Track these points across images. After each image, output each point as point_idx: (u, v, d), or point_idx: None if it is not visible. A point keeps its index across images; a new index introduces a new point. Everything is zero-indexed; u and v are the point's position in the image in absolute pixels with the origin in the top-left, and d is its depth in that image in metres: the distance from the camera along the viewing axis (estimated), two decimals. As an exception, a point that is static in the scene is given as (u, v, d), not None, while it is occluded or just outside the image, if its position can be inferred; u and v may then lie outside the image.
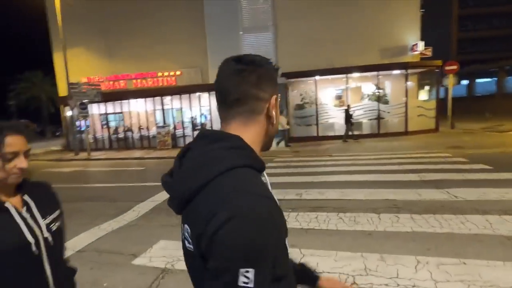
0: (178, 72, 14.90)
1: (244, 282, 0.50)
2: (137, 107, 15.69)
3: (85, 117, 13.89)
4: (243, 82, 0.65)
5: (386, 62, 12.52)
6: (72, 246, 3.48)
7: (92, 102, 14.00)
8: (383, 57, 12.67)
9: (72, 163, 12.33)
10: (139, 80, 15.39)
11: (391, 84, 13.19)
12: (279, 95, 0.72)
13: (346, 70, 12.63)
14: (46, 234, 1.05)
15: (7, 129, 0.99)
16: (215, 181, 0.57)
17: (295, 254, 2.99)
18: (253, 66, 0.66)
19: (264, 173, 0.68)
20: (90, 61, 15.78)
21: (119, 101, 15.63)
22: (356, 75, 12.87)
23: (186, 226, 0.62)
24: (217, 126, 14.18)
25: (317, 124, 13.35)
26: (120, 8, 14.99)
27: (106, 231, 4.02)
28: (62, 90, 15.66)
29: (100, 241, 3.75)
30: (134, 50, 15.09)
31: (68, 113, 16.07)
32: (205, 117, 14.98)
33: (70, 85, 13.36)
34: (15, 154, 0.99)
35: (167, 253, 3.24)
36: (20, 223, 1.00)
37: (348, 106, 12.10)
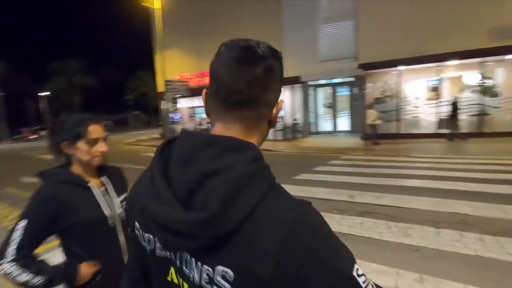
0: (254, 67, 15.50)
1: (363, 282, 0.47)
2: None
3: (175, 110, 15.97)
4: (254, 81, 0.52)
5: (496, 45, 10.14)
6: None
7: (182, 97, 15.96)
8: (493, 39, 10.29)
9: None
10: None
11: (505, 72, 10.64)
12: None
13: (441, 58, 10.78)
14: (119, 210, 1.26)
15: (90, 120, 1.20)
16: (263, 204, 0.47)
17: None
18: (267, 61, 0.53)
19: None
20: (182, 60, 17.90)
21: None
22: (453, 62, 10.86)
23: (218, 268, 0.47)
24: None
25: (399, 120, 11.93)
26: (205, 10, 16.50)
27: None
28: (160, 86, 18.25)
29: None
30: (216, 47, 16.34)
31: (164, 106, 18.75)
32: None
33: (166, 82, 15.53)
34: (96, 140, 1.19)
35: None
36: (100, 200, 1.21)
37: (456, 98, 10.34)
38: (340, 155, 8.94)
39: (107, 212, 1.21)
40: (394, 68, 11.64)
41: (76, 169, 1.22)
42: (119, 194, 1.29)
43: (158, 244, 0.56)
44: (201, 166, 0.49)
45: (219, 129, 0.55)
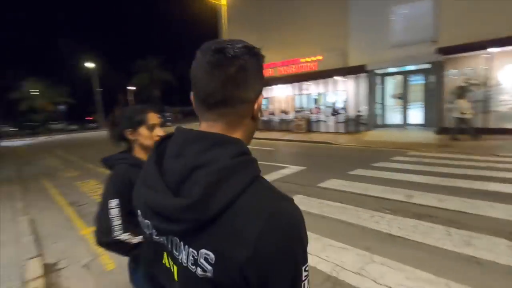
0: (319, 57, 15.02)
1: (305, 276, 0.53)
2: (281, 93, 17.15)
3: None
4: (226, 82, 0.55)
5: None
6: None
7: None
8: None
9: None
10: (283, 68, 16.68)
11: None
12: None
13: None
14: None
15: (147, 109, 1.40)
16: (244, 195, 0.51)
17: (364, 258, 2.77)
18: (239, 60, 0.55)
19: None
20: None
21: (266, 88, 17.61)
22: None
23: (202, 251, 0.52)
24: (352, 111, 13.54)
25: (488, 112, 10.15)
26: (271, 5, 16.58)
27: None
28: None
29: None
30: (280, 40, 16.36)
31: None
32: (344, 102, 14.52)
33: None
34: (154, 125, 1.37)
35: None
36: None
37: None
38: (407, 151, 8.13)
39: None
40: (483, 51, 9.87)
41: (137, 153, 1.38)
42: None
43: (153, 230, 0.61)
44: (190, 159, 0.54)
45: (204, 127, 0.60)
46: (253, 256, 0.48)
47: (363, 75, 13.27)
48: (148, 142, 1.35)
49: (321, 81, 15.11)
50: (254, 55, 0.58)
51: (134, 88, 39.64)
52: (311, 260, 2.75)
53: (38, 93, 33.67)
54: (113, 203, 1.24)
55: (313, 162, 7.53)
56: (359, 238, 3.20)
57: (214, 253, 0.50)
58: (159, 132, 1.37)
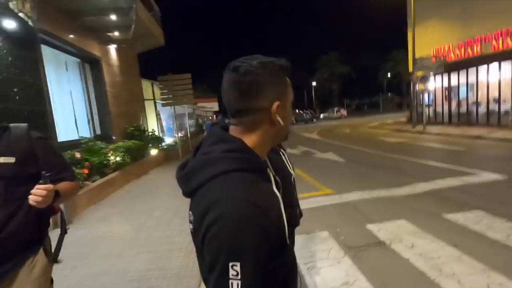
0: None
1: (233, 275, 0.57)
2: (492, 75, 12.88)
3: (424, 90, 14.11)
4: (240, 95, 0.67)
5: None
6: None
7: (435, 74, 13.80)
8: None
9: (403, 135, 13.43)
10: (500, 41, 12.28)
11: None
12: (291, 93, 0.73)
13: None
14: (294, 174, 1.62)
15: None
16: (210, 183, 0.63)
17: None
18: (251, 76, 0.66)
19: (269, 170, 0.73)
20: (439, 32, 15.16)
21: (469, 70, 13.76)
22: None
23: (190, 212, 0.69)
24: None
25: None
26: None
27: (371, 196, 4.70)
28: (411, 65, 16.67)
29: (362, 201, 4.52)
30: (494, 5, 12.17)
31: (414, 87, 16.99)
32: None
33: (414, 60, 14.09)
34: None
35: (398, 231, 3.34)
36: (286, 162, 1.59)
37: None
38: None
39: (291, 171, 1.57)
40: None
41: None
42: (288, 163, 1.70)
43: None
44: (203, 149, 0.72)
45: (231, 129, 0.73)
46: (198, 227, 0.63)
47: None
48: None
49: None
50: (267, 68, 0.67)
51: (314, 84, 42.38)
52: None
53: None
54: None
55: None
56: None
57: (193, 216, 0.67)
58: None
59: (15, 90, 4.61)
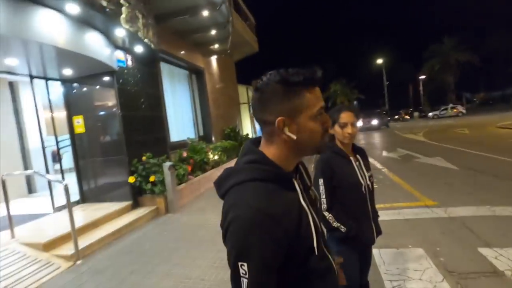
0: None
1: (242, 273, 0.64)
2: None
3: None
4: (254, 107, 0.75)
5: None
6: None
7: None
8: None
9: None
10: None
11: None
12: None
13: None
14: (368, 182, 1.57)
15: (343, 108, 1.60)
16: (232, 190, 0.72)
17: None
18: (262, 90, 0.72)
19: (294, 180, 0.76)
20: None
21: None
22: None
23: (223, 211, 0.74)
24: None
25: None
26: None
27: (489, 213, 3.84)
28: None
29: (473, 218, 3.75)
30: None
31: None
32: None
33: None
34: (346, 124, 1.54)
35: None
36: (356, 170, 1.55)
37: None
38: None
39: (360, 180, 1.53)
40: None
41: (338, 144, 1.60)
42: (368, 170, 1.62)
43: None
44: (238, 159, 0.80)
45: (261, 140, 0.81)
46: (222, 226, 0.71)
47: None
48: (340, 137, 1.57)
49: None
50: (278, 83, 0.70)
51: (423, 77, 36.84)
52: None
53: (338, 91, 41.43)
54: (320, 181, 1.53)
55: None
56: None
57: (223, 216, 0.75)
58: (348, 130, 1.53)
59: (142, 100, 5.79)
